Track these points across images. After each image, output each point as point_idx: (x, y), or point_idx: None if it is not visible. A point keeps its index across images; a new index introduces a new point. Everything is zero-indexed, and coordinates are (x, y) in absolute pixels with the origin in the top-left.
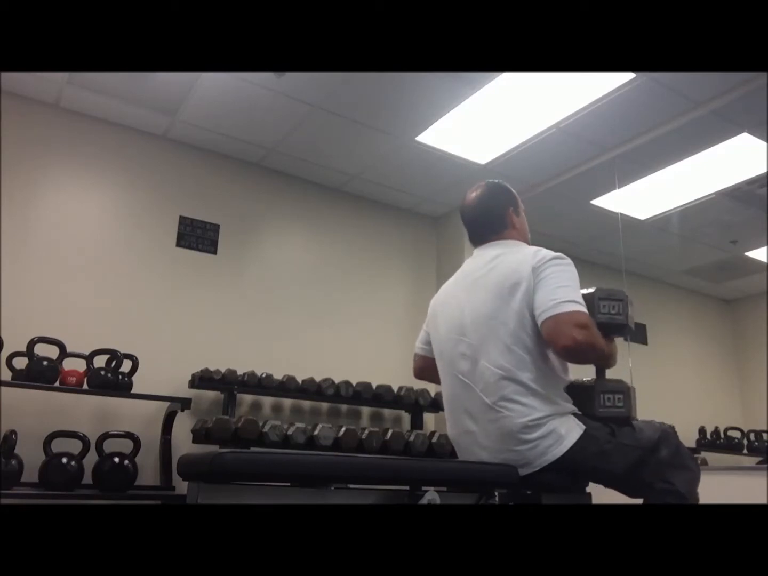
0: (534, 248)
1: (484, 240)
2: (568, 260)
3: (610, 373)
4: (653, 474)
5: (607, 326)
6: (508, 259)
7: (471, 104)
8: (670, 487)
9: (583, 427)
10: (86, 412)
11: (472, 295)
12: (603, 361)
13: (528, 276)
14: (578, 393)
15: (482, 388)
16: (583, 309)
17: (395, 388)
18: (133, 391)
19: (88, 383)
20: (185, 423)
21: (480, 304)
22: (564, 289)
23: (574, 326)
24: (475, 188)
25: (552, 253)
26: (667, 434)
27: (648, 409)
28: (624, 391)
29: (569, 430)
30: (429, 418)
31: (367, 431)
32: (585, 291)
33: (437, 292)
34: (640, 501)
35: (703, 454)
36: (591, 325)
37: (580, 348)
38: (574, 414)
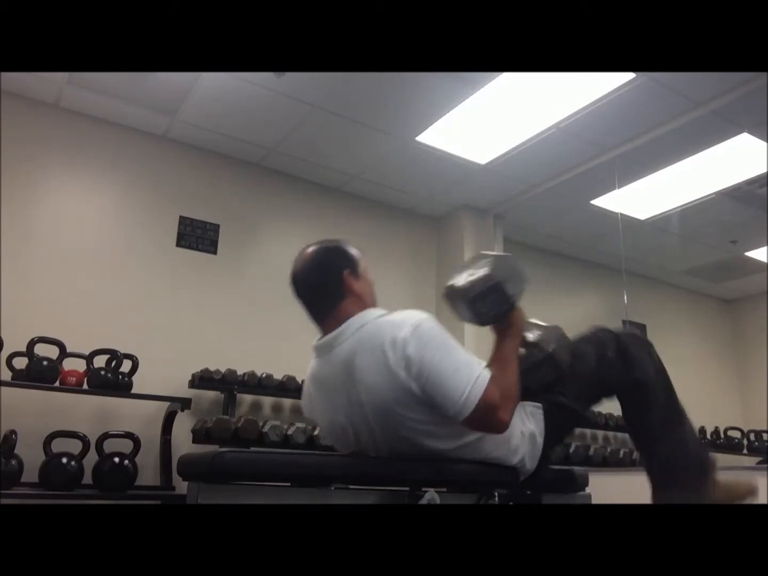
0: (381, 331)
1: (322, 317)
2: (427, 319)
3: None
4: (611, 377)
5: (496, 318)
6: (364, 362)
7: (471, 104)
8: (631, 378)
9: (536, 404)
10: (86, 412)
11: (348, 411)
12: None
13: (400, 384)
14: None
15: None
16: (485, 376)
17: None
18: (133, 391)
19: (88, 383)
20: (185, 423)
21: (364, 421)
22: (455, 374)
23: (494, 411)
24: (303, 253)
25: (407, 327)
26: (599, 338)
27: None
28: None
29: (533, 417)
30: None
31: None
32: (456, 283)
33: (303, 395)
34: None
35: None
36: (503, 387)
37: (511, 417)
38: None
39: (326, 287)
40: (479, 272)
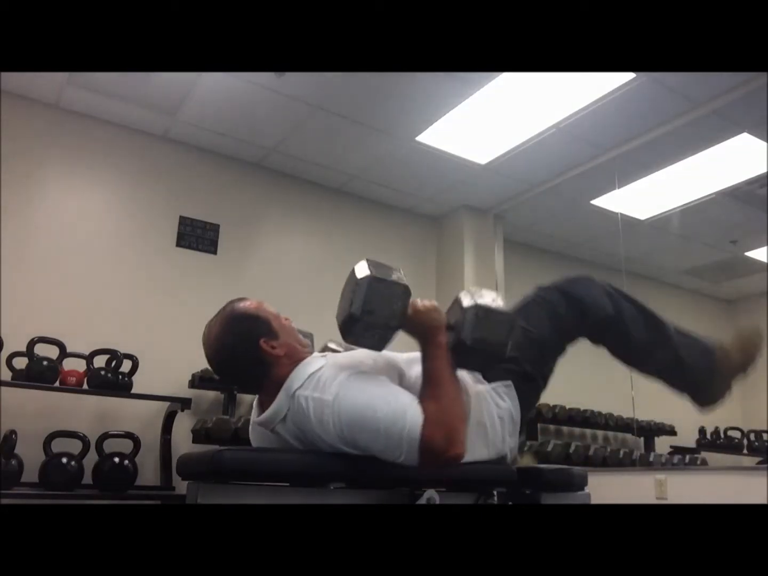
0: (308, 412)
1: (257, 390)
2: (343, 385)
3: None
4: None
5: (384, 341)
6: (312, 438)
7: (471, 104)
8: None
9: (506, 382)
10: (86, 412)
11: None
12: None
13: (351, 452)
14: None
15: None
16: (414, 425)
17: None
18: (133, 391)
19: (88, 383)
20: (185, 423)
21: None
22: (386, 439)
23: (440, 454)
24: (210, 336)
25: (327, 406)
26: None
27: (648, 409)
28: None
29: (506, 395)
30: None
31: None
32: (337, 318)
33: None
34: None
35: (703, 454)
36: (441, 420)
37: (463, 444)
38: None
39: (247, 367)
40: (343, 307)
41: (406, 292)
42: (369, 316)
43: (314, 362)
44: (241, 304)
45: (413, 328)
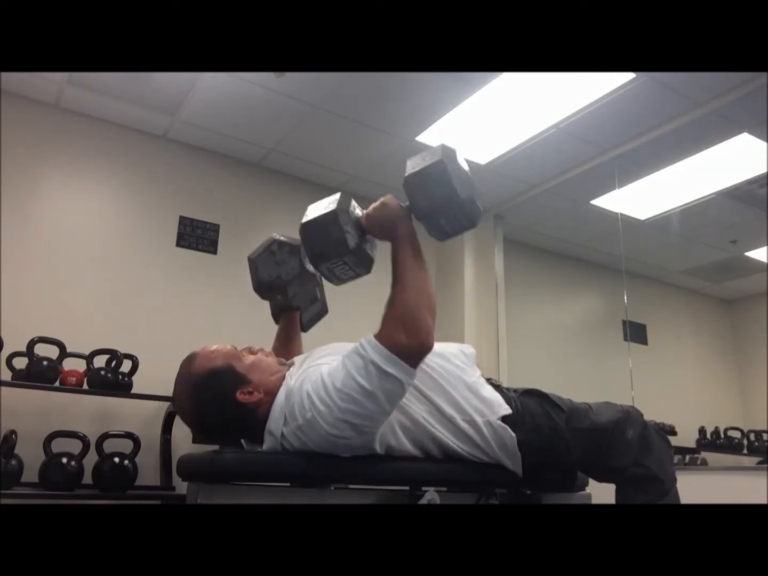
0: (290, 437)
1: (246, 437)
2: (308, 414)
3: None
4: (621, 458)
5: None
6: None
7: (471, 104)
8: (646, 471)
9: (513, 436)
10: (86, 412)
11: None
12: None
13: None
14: None
15: None
16: (368, 337)
17: None
18: (133, 391)
19: (88, 383)
20: None
21: None
22: (372, 384)
23: (406, 350)
24: (181, 400)
25: (317, 437)
26: (629, 414)
27: (648, 410)
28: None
29: (501, 444)
30: None
31: None
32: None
33: None
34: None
35: (703, 454)
36: (396, 320)
37: (426, 334)
38: (491, 421)
39: (234, 426)
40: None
41: (332, 217)
42: (321, 258)
43: (282, 393)
44: (200, 362)
45: (376, 235)
